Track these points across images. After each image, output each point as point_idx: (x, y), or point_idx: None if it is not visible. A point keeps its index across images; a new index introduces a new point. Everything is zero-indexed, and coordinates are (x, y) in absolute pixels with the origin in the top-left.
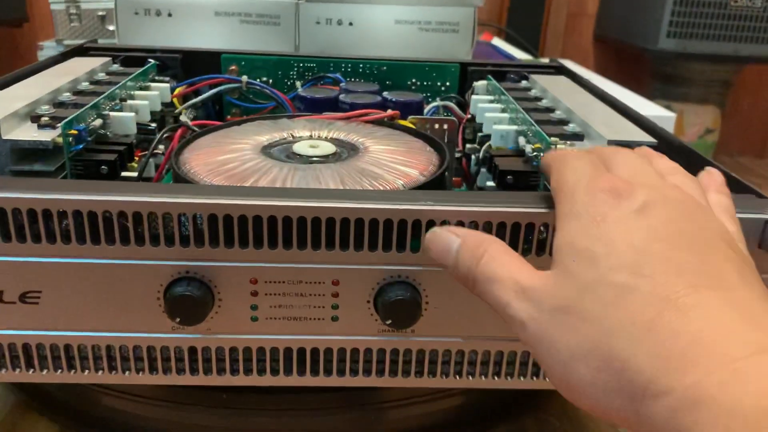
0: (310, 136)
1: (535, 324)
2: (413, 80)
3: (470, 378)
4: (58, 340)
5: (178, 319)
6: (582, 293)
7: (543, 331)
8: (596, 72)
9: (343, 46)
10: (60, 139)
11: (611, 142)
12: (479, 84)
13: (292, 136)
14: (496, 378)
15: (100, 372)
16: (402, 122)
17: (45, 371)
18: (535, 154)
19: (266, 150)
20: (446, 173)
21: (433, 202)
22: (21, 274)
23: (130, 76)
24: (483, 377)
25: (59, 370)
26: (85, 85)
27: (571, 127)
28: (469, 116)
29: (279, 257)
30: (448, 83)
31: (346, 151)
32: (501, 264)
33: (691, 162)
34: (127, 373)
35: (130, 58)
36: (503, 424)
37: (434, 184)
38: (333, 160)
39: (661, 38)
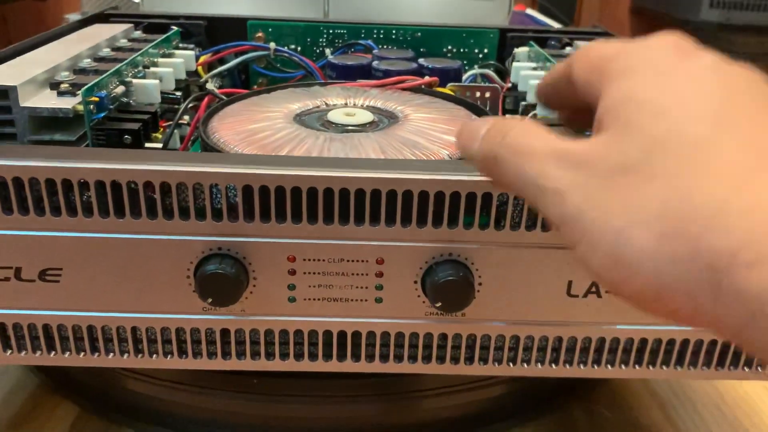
0: (345, 103)
1: (579, 191)
2: (449, 47)
3: (525, 365)
4: (81, 320)
5: (209, 300)
6: (650, 149)
7: (590, 197)
8: None
9: (374, 14)
10: (80, 107)
11: None
12: (520, 51)
13: (326, 104)
14: (553, 365)
15: (126, 356)
16: (441, 90)
17: (67, 354)
18: None
19: (299, 118)
20: None
21: None
22: (40, 250)
23: (153, 43)
24: (539, 365)
25: (82, 353)
26: (106, 52)
27: None
28: (509, 85)
29: (319, 233)
30: (486, 50)
31: (384, 119)
32: (534, 135)
33: None
34: (154, 356)
35: (153, 24)
36: (550, 414)
37: None
38: (371, 129)
39: (703, 8)
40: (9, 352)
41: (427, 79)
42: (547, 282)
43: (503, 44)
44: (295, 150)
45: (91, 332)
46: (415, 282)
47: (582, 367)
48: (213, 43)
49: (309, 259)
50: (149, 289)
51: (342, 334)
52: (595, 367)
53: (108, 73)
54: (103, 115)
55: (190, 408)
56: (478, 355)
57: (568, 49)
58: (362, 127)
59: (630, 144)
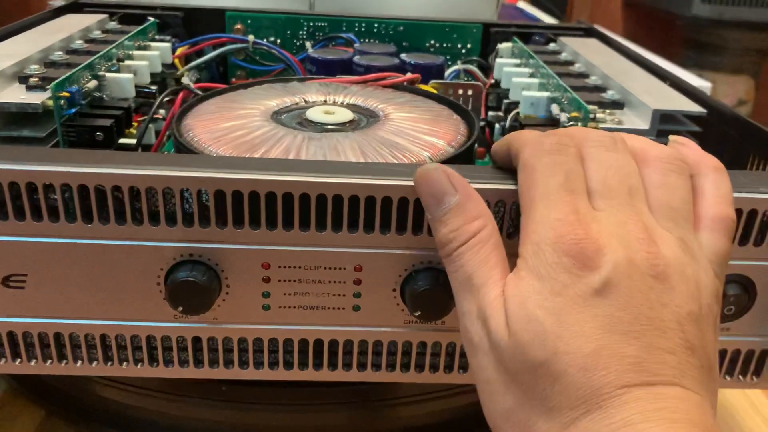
0: (324, 101)
1: (485, 360)
2: (432, 42)
3: None
4: (47, 328)
5: (180, 308)
6: (526, 370)
7: (488, 378)
8: (625, 38)
9: (360, 6)
10: (50, 102)
11: (656, 112)
12: (504, 46)
13: (305, 101)
14: None
15: (95, 363)
16: (423, 87)
17: (33, 362)
18: (571, 123)
19: (276, 116)
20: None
21: (471, 179)
22: (4, 256)
23: (128, 35)
24: None
25: (49, 361)
26: (78, 44)
27: (609, 95)
28: (492, 81)
29: (295, 239)
30: (469, 45)
31: (364, 118)
32: (484, 264)
33: (747, 135)
34: (124, 364)
35: (129, 15)
36: None
37: (464, 156)
38: (350, 129)
39: (695, 4)
40: None
41: (409, 75)
42: None
43: (487, 39)
44: (271, 150)
45: (58, 340)
46: (394, 290)
47: None
48: (191, 35)
49: (284, 267)
50: (118, 296)
51: (318, 343)
52: None
53: (80, 67)
54: (74, 110)
55: (157, 414)
56: (457, 363)
57: (552, 45)
58: (341, 127)
59: (517, 355)
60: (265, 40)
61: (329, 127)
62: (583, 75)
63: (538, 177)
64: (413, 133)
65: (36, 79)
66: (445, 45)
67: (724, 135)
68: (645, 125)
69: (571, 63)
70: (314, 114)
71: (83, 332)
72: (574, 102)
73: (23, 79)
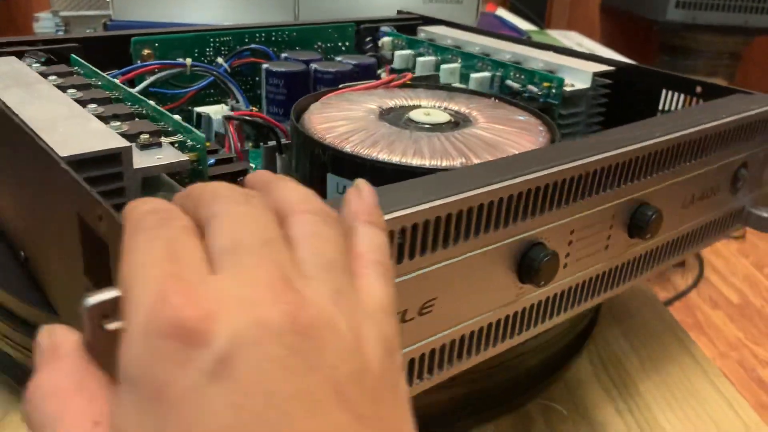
0: (411, 105)
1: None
2: (319, 43)
3: None
4: (453, 335)
5: (542, 282)
6: None
7: None
8: (602, 43)
9: (344, 15)
10: (193, 155)
11: (597, 75)
12: (386, 40)
13: (404, 104)
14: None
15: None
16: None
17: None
18: (543, 92)
19: (385, 117)
20: None
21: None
22: (418, 289)
23: (104, 74)
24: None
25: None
26: (72, 93)
27: (540, 66)
28: (388, 69)
29: (587, 206)
30: (347, 43)
31: (457, 119)
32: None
33: (657, 80)
34: (481, 350)
35: (21, 52)
36: (508, 413)
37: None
38: (448, 129)
39: (669, 9)
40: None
41: (408, 75)
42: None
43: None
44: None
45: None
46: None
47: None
48: (95, 65)
49: (580, 230)
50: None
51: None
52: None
53: (170, 114)
54: (214, 160)
55: None
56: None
57: (422, 35)
58: (440, 126)
59: None
60: (176, 60)
61: (426, 126)
62: (487, 54)
63: (128, 259)
64: (510, 130)
65: (146, 137)
66: (329, 44)
67: (632, 85)
68: (587, 85)
69: (460, 47)
70: (416, 115)
71: (469, 330)
72: (538, 74)
73: (131, 138)
